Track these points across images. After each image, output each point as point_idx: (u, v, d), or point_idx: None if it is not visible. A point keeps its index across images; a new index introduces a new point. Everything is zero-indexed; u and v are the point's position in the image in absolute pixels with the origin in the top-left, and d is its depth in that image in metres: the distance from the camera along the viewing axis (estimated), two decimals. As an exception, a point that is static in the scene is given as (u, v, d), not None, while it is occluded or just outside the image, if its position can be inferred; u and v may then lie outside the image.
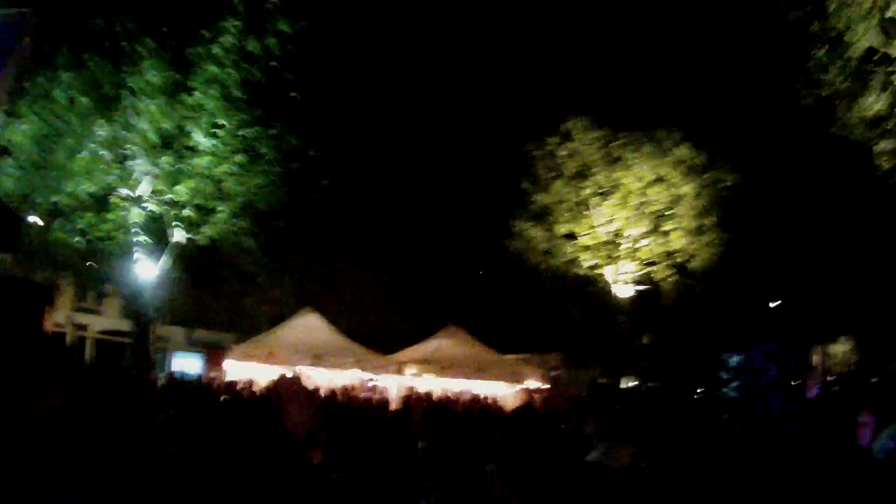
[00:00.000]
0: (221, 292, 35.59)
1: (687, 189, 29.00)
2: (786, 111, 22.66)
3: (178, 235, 21.57)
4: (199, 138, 20.34)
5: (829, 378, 24.16)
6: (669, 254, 29.50)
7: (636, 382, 29.20)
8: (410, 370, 25.38)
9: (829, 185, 24.51)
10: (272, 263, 28.10)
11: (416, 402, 19.59)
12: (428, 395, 22.45)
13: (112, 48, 19.54)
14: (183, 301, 33.60)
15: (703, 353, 28.82)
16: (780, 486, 8.38)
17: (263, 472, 6.03)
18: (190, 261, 24.64)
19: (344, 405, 18.34)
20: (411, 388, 24.01)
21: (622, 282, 30.06)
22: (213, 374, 25.27)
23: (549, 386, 27.26)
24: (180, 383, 22.01)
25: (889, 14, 17.35)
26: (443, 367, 25.51)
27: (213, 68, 19.99)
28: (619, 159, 29.57)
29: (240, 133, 20.68)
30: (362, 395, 23.09)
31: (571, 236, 30.34)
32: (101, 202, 20.72)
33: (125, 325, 29.01)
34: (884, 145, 19.90)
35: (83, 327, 36.84)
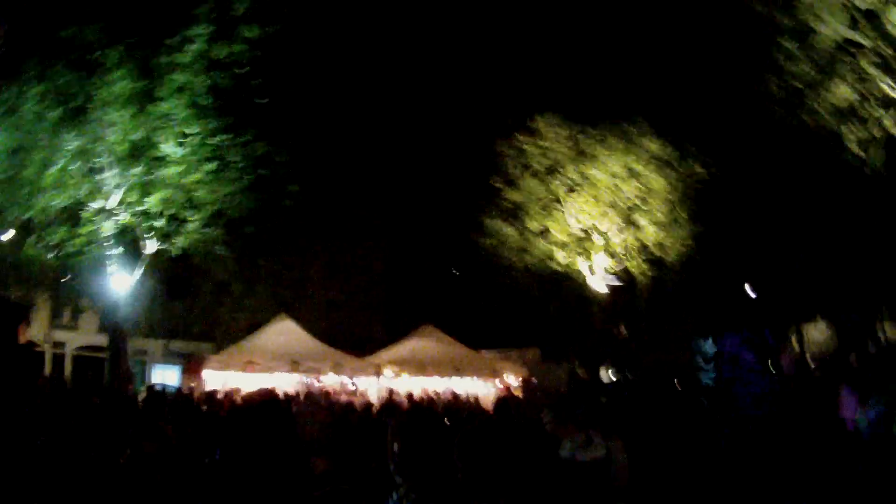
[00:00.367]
0: (196, 302, 35.59)
1: (659, 183, 29.24)
2: (755, 102, 22.87)
3: (151, 247, 21.51)
4: (169, 148, 20.29)
5: (808, 358, 24.35)
6: (643, 247, 29.66)
7: (614, 374, 29.33)
8: (388, 371, 25.42)
9: (800, 173, 24.69)
10: (245, 271, 28.09)
11: (396, 404, 19.69)
12: (409, 396, 22.50)
13: (80, 59, 19.39)
14: (159, 312, 33.58)
15: (680, 342, 29.00)
16: (762, 466, 8.49)
17: (270, 479, 6.06)
18: (164, 272, 24.64)
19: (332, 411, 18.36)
20: (390, 390, 24.03)
21: (597, 275, 30.20)
22: (192, 385, 25.10)
23: (526, 381, 27.34)
24: (161, 395, 21.93)
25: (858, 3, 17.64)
26: (420, 366, 25.64)
27: (180, 77, 19.93)
28: (589, 154, 29.70)
29: (209, 141, 20.63)
30: (343, 398, 23.07)
31: (545, 232, 30.46)
32: (72, 216, 20.59)
33: (102, 340, 28.87)
34: (854, 133, 20.16)
35: (60, 344, 36.64)
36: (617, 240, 29.79)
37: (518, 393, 23.97)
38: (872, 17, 18.56)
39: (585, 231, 30.02)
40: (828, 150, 21.51)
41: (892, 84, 18.90)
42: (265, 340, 26.13)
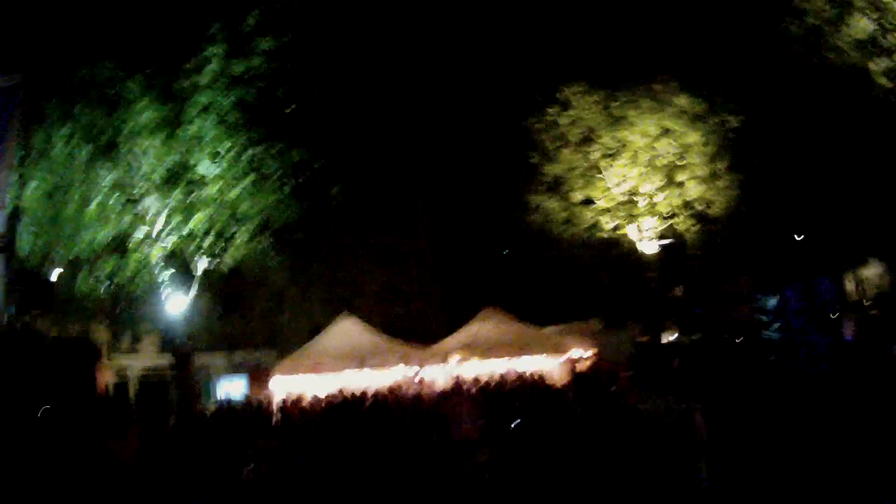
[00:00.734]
0: (254, 312, 35.83)
1: (694, 137, 29.02)
2: (777, 45, 22.57)
3: (202, 266, 21.68)
4: (204, 168, 20.35)
5: (865, 302, 23.99)
6: (687, 204, 29.44)
7: (677, 336, 29.17)
8: (454, 357, 25.47)
9: (832, 110, 24.35)
10: (299, 276, 28.19)
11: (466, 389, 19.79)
12: (476, 380, 22.60)
13: (101, 95, 19.53)
14: (218, 327, 33.79)
15: (737, 299, 28.80)
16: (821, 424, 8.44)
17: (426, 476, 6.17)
18: (218, 287, 24.77)
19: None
20: (457, 376, 24.09)
21: (646, 238, 30.02)
22: (261, 395, 25.37)
23: (592, 352, 27.29)
24: (229, 409, 22.22)
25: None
26: (486, 349, 25.64)
27: (204, 97, 19.98)
28: (621, 118, 29.58)
29: (244, 155, 20.66)
30: (410, 391, 23.16)
31: (589, 202, 30.33)
32: (119, 247, 20.69)
33: (164, 361, 29.19)
34: (878, 65, 19.81)
35: (123, 369, 37.11)
36: (660, 199, 29.57)
37: (586, 366, 23.98)
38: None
39: (628, 195, 29.84)
40: (856, 85, 21.21)
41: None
42: (329, 341, 26.32)
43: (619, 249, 30.57)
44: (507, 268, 42.94)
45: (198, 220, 20.67)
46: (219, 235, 21.40)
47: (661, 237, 29.94)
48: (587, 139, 29.92)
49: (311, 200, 22.70)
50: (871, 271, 30.37)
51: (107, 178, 19.85)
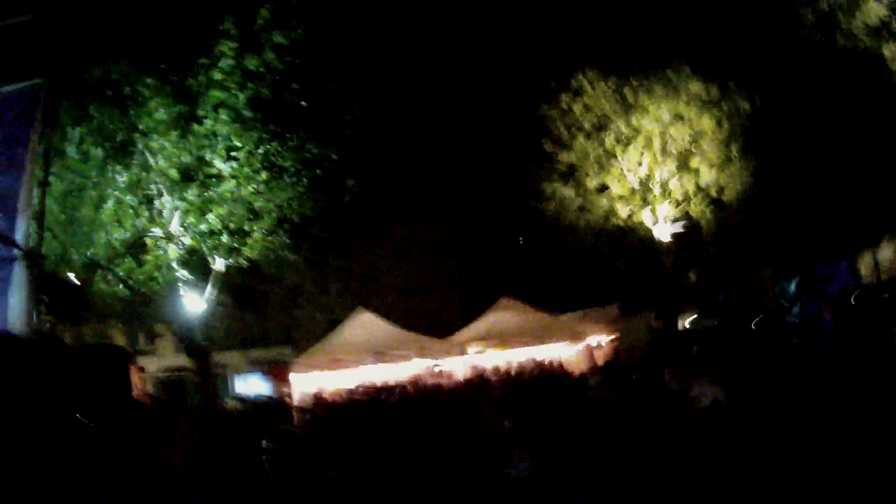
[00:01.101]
0: (271, 309, 35.93)
1: (707, 123, 29.09)
2: (790, 31, 22.55)
3: (219, 263, 21.70)
4: (220, 164, 20.26)
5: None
6: (701, 189, 29.48)
7: (692, 322, 29.10)
8: (473, 348, 25.48)
9: (845, 96, 24.32)
10: (316, 271, 28.20)
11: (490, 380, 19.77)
12: (496, 370, 22.59)
13: (114, 95, 19.51)
14: (234, 324, 33.88)
15: (759, 282, 28.71)
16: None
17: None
18: (235, 284, 24.83)
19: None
20: (476, 367, 24.11)
21: (661, 224, 30.02)
22: (282, 390, 25.44)
23: (610, 338, 27.27)
24: (253, 405, 22.24)
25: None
26: (504, 339, 25.65)
27: (217, 93, 19.89)
28: (634, 105, 29.61)
29: (258, 151, 20.61)
30: (430, 382, 23.15)
31: (603, 189, 30.37)
32: (136, 246, 20.75)
33: (181, 360, 29.28)
34: (893, 49, 19.77)
35: (141, 370, 37.20)
36: (674, 185, 29.59)
37: (602, 353, 23.96)
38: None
39: (643, 182, 29.85)
40: (869, 70, 21.21)
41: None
42: (347, 336, 26.37)
43: (634, 236, 30.65)
44: (524, 256, 42.99)
45: (214, 218, 20.64)
46: (235, 232, 21.38)
47: (676, 222, 29.94)
48: (601, 126, 30.01)
49: (327, 195, 22.72)
50: (886, 254, 30.20)
51: (122, 177, 19.77)
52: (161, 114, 19.51)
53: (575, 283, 36.16)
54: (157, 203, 20.56)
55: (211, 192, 20.56)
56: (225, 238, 21.16)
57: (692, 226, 29.93)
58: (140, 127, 19.68)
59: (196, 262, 21.78)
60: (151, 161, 19.93)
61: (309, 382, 24.75)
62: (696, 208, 29.52)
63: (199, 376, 23.66)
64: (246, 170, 20.51)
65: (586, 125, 30.17)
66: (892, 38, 20.26)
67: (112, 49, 19.22)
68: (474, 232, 43.42)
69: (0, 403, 5.03)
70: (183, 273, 21.28)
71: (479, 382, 20.26)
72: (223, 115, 19.94)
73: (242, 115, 20.18)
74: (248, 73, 20.21)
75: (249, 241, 21.60)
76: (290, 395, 23.94)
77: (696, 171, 29.32)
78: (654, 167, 29.51)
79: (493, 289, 30.93)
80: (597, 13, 30.18)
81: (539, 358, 24.97)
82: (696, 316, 27.84)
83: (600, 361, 22.68)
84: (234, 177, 20.44)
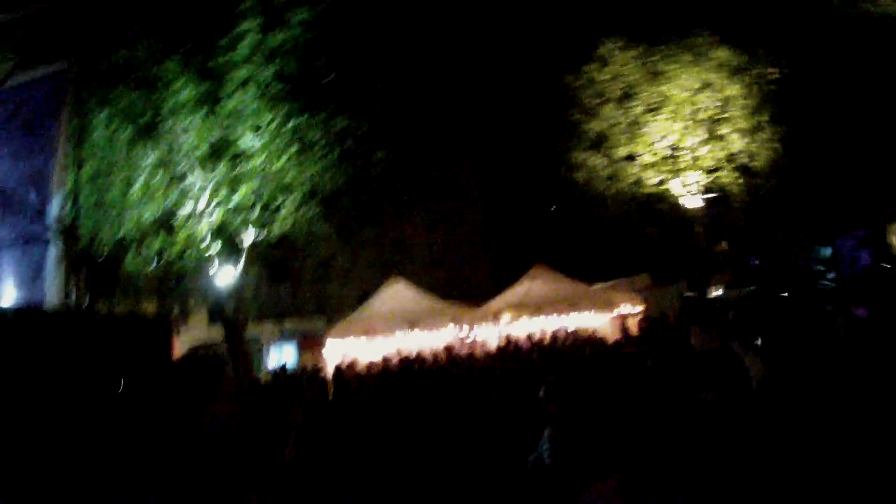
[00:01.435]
0: (303, 280, 36.10)
1: (734, 90, 28.85)
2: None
3: (249, 238, 21.79)
4: (247, 142, 20.39)
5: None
6: (731, 157, 29.29)
7: (726, 289, 29.05)
8: (505, 316, 25.55)
9: (872, 61, 24.06)
10: (347, 243, 28.28)
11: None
12: (529, 339, 22.69)
13: (139, 77, 19.68)
14: (267, 297, 34.10)
15: (791, 249, 28.63)
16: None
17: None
18: (266, 257, 24.95)
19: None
20: (509, 335, 24.20)
21: (690, 193, 29.88)
22: (315, 361, 25.63)
23: (641, 307, 27.26)
24: (287, 376, 22.43)
25: None
26: (536, 307, 25.71)
27: (242, 71, 20.04)
28: (660, 73, 29.40)
29: (286, 126, 20.65)
30: (463, 352, 23.24)
31: (632, 157, 30.21)
32: (165, 225, 20.89)
33: (214, 334, 29.49)
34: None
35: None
36: (703, 153, 29.39)
37: (633, 322, 23.94)
38: None
39: (671, 150, 29.67)
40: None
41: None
42: (380, 305, 26.53)
43: (664, 204, 30.48)
44: (555, 225, 42.94)
45: (243, 193, 20.71)
46: (265, 207, 21.44)
47: (706, 191, 29.79)
48: (628, 95, 29.81)
49: (356, 167, 22.75)
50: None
51: (149, 158, 20.03)
52: (187, 93, 19.72)
53: (605, 252, 36.11)
54: (185, 181, 20.70)
55: (240, 169, 20.68)
56: (255, 212, 21.23)
57: (722, 194, 29.75)
58: (166, 107, 19.90)
59: (227, 238, 21.88)
60: (178, 141, 20.10)
61: (343, 351, 24.90)
62: (726, 176, 29.30)
63: (232, 348, 23.83)
64: (274, 145, 20.59)
65: (613, 94, 29.99)
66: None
67: (136, 31, 19.38)
68: (505, 201, 43.43)
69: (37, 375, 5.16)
70: (214, 248, 21.40)
71: (513, 352, 20.41)
72: (249, 93, 20.10)
73: (268, 92, 20.30)
74: (273, 49, 20.35)
75: (280, 215, 21.64)
76: (323, 366, 24.09)
77: (726, 139, 29.08)
78: (683, 135, 29.28)
79: (524, 258, 30.93)
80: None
81: (571, 327, 25.04)
82: (728, 284, 27.76)
83: (632, 331, 22.66)
84: (262, 152, 20.52)
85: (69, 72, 19.18)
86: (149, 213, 20.41)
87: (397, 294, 26.74)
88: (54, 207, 21.09)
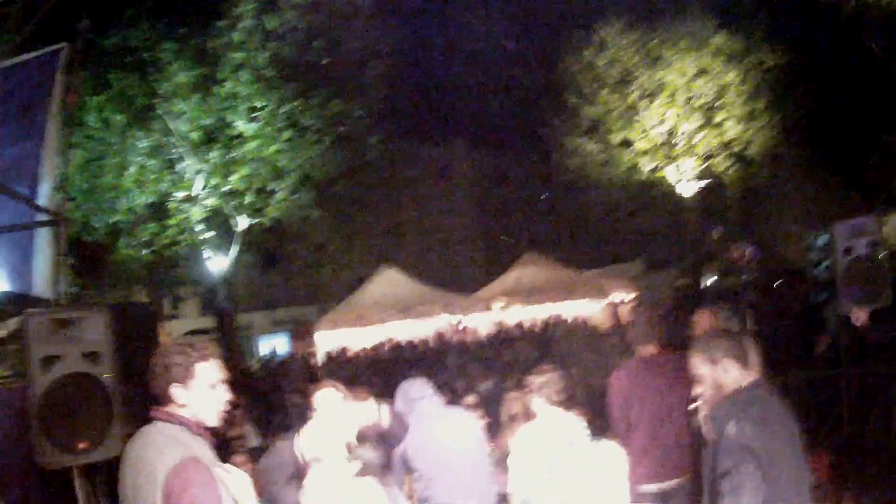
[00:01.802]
0: (295, 268, 35.97)
1: (731, 77, 28.85)
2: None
3: (243, 223, 21.66)
4: (242, 125, 20.19)
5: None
6: (726, 144, 29.27)
7: (716, 279, 29.02)
8: (497, 304, 25.49)
9: (869, 49, 24.03)
10: (340, 230, 28.15)
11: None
12: (519, 326, 22.67)
13: (133, 61, 19.50)
14: (258, 285, 33.99)
15: (780, 239, 28.65)
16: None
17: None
18: (259, 244, 24.83)
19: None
20: (500, 323, 24.17)
21: (684, 180, 29.86)
22: (306, 350, 25.52)
23: (633, 295, 27.18)
24: (277, 365, 22.37)
25: None
26: (528, 295, 25.61)
27: (238, 55, 19.84)
28: (658, 58, 29.28)
29: (281, 111, 20.49)
30: (454, 339, 23.21)
31: (627, 143, 30.15)
32: (159, 210, 20.77)
33: (206, 323, 29.37)
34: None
35: (167, 334, 37.38)
36: (698, 140, 29.36)
37: (625, 310, 23.87)
38: None
39: (666, 136, 29.63)
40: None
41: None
42: (372, 293, 26.42)
43: (658, 191, 30.46)
44: (547, 212, 42.93)
45: (237, 178, 20.56)
46: (259, 192, 21.31)
47: (700, 178, 29.77)
48: (624, 80, 29.71)
49: (350, 152, 22.61)
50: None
51: (144, 142, 19.80)
52: (181, 77, 19.50)
53: (598, 238, 36.09)
54: (179, 166, 20.53)
55: (233, 153, 20.50)
56: (249, 197, 21.07)
57: (715, 181, 29.76)
58: (160, 91, 19.67)
59: (219, 224, 21.76)
60: (172, 125, 19.89)
61: (334, 340, 24.83)
62: (721, 163, 29.34)
63: (222, 338, 23.70)
64: (268, 129, 20.41)
65: (609, 79, 29.86)
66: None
67: (131, 15, 19.18)
68: (498, 188, 43.40)
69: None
70: (207, 234, 21.28)
71: (503, 339, 20.35)
72: (244, 77, 19.90)
73: (263, 76, 20.12)
74: (268, 33, 20.16)
75: (273, 200, 21.51)
76: (314, 355, 24.02)
77: (721, 126, 29.06)
78: (678, 121, 29.23)
79: (517, 244, 30.91)
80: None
81: (564, 314, 24.98)
82: (721, 273, 27.73)
83: (623, 319, 22.61)
84: (256, 137, 20.34)
85: (60, 56, 18.89)
86: (142, 199, 20.29)
87: (389, 282, 26.64)
88: (45, 193, 20.88)
